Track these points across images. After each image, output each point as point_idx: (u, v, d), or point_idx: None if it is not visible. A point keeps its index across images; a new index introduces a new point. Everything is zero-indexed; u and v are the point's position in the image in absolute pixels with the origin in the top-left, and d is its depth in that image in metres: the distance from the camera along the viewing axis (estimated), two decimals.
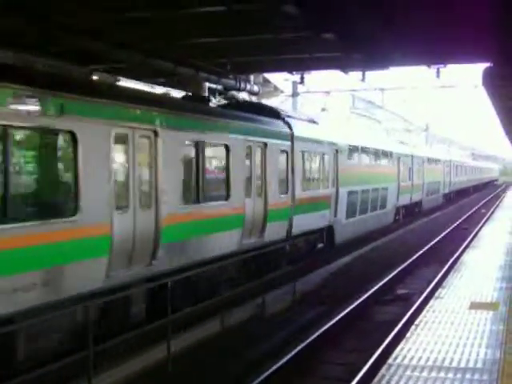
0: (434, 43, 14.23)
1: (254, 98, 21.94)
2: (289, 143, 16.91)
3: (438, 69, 18.12)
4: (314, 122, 20.59)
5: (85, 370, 8.80)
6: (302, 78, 20.70)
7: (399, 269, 19.83)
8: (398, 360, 7.88)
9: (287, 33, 13.20)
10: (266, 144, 15.51)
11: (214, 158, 13.83)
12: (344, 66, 17.97)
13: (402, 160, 29.76)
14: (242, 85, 18.46)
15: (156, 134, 11.24)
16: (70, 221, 9.26)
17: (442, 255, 23.37)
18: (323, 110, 29.78)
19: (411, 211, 33.00)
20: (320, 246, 19.67)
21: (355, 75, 20.38)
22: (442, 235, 28.82)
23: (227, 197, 13.82)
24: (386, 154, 27.02)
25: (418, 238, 27.52)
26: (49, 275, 8.89)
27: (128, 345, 10.18)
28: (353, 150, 22.43)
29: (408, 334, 9.10)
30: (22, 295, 8.43)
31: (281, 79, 26.46)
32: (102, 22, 12.08)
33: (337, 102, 35.51)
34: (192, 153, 12.75)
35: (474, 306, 10.81)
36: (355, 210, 22.11)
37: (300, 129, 17.92)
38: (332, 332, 12.88)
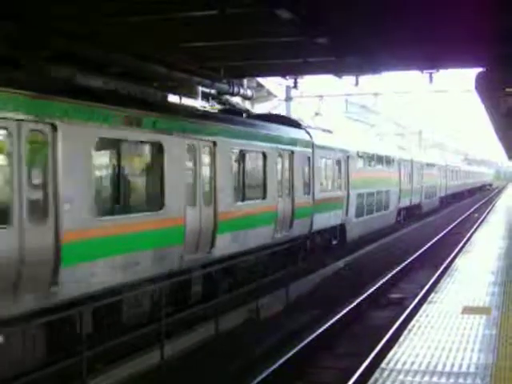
0: (427, 48, 14.26)
1: (247, 103, 21.93)
2: (310, 150, 19.33)
3: (430, 74, 18.14)
4: (328, 131, 23.01)
5: (79, 373, 8.77)
6: (296, 83, 20.70)
7: (393, 272, 19.89)
8: (391, 364, 7.87)
9: (280, 37, 13.19)
10: (292, 151, 17.95)
11: (254, 164, 16.09)
12: (337, 70, 17.99)
13: (402, 165, 31.83)
14: (236, 89, 18.46)
15: (215, 144, 13.57)
16: (158, 214, 11.64)
17: (435, 260, 23.41)
18: (317, 114, 29.76)
19: (411, 213, 34.90)
20: (334, 242, 21.87)
21: (348, 80, 20.43)
22: (435, 239, 28.90)
23: (264, 197, 16.14)
24: (389, 160, 29.21)
25: (410, 242, 27.55)
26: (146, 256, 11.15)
27: (123, 348, 10.17)
28: (361, 156, 24.68)
29: (401, 339, 9.08)
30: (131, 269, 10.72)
31: (274, 84, 26.46)
32: (94, 27, 12.05)
33: (330, 106, 35.53)
34: (239, 159, 15.22)
35: (467, 310, 10.81)
36: (363, 210, 24.38)
37: (318, 138, 20.35)
38: (325, 336, 12.89)
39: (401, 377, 7.41)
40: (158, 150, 11.87)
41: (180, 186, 12.38)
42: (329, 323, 13.76)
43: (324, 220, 20.19)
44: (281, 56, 15.48)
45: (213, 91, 17.63)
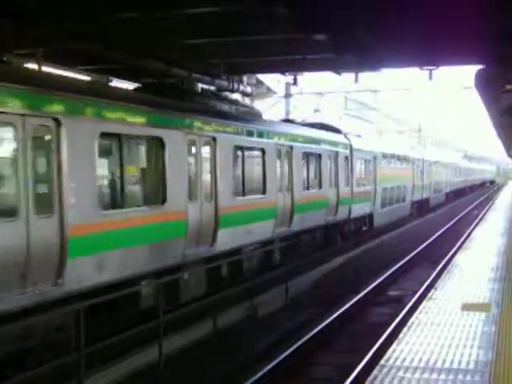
0: (426, 45, 14.25)
1: (246, 99, 21.93)
2: (348, 152, 23.51)
3: (430, 71, 18.12)
4: (359, 136, 27.11)
5: (76, 371, 8.77)
6: (295, 79, 20.71)
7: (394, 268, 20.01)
8: (391, 361, 7.87)
9: (279, 34, 13.20)
10: (337, 152, 22.15)
11: (314, 163, 20.33)
12: (337, 67, 17.99)
13: (415, 163, 35.89)
14: (235, 86, 18.45)
15: (291, 148, 15.13)
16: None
17: (435, 256, 23.43)
18: (316, 111, 29.75)
19: (421, 206, 38.45)
20: (364, 228, 26.11)
21: (348, 76, 20.42)
22: (436, 235, 29.06)
23: (320, 187, 20.36)
24: (405, 159, 33.41)
25: (412, 239, 27.64)
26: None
27: (120, 345, 10.15)
28: (384, 156, 28.87)
29: (400, 335, 9.08)
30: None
31: (274, 80, 26.46)
32: (92, 23, 12.03)
33: (329, 103, 35.50)
34: (306, 159, 19.54)
35: (466, 307, 10.81)
36: (386, 202, 28.57)
37: (354, 141, 24.57)
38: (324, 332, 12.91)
39: (400, 373, 7.41)
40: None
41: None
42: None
43: (359, 209, 24.45)
44: (280, 53, 15.49)
45: (212, 88, 17.62)
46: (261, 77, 24.40)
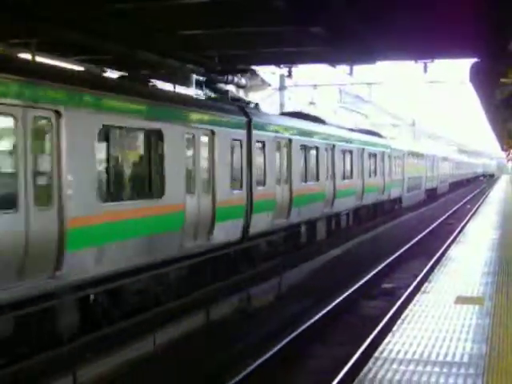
0: (421, 38, 14.22)
1: (241, 91, 21.85)
2: (389, 151, 31.46)
3: (425, 64, 18.10)
4: (393, 138, 36.26)
5: (70, 363, 8.75)
6: (290, 72, 20.65)
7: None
8: (385, 354, 7.85)
9: (274, 26, 13.14)
10: (384, 152, 30.26)
11: (374, 160, 28.15)
12: (331, 59, 17.96)
13: (427, 158, 44.53)
14: (230, 77, 18.39)
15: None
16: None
17: (429, 250, 23.44)
18: (311, 103, 29.72)
19: (431, 194, 46.58)
20: (396, 207, 34.36)
21: (343, 69, 20.37)
22: (428, 230, 29.11)
23: (376, 175, 28.04)
24: (422, 155, 42.19)
25: (405, 231, 27.79)
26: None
27: (114, 337, 10.15)
28: (409, 153, 37.33)
29: (394, 328, 9.07)
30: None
31: (268, 72, 26.38)
32: (86, 13, 11.95)
33: (324, 96, 35.47)
34: (369, 158, 27.65)
35: (460, 300, 10.80)
36: (410, 188, 36.91)
37: (392, 143, 33.24)
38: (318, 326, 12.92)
39: (394, 366, 7.40)
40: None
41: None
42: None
43: (394, 192, 32.63)
44: (275, 45, 15.42)
45: (206, 79, 17.56)
46: (255, 68, 24.32)
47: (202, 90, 18.06)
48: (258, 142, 16.20)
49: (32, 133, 8.74)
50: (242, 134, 15.35)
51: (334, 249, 20.89)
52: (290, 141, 18.33)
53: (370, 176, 27.10)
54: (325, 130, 22.13)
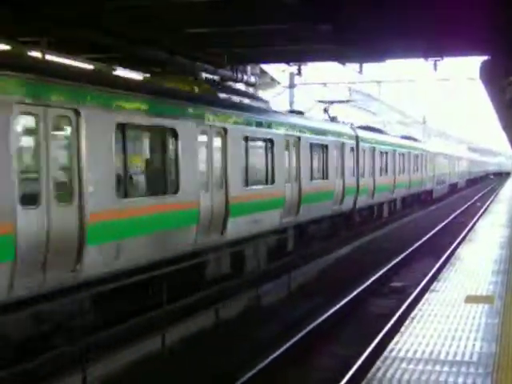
0: (432, 36, 14.14)
1: (250, 89, 21.85)
2: (425, 153, 39.21)
3: (435, 61, 18.03)
4: (427, 141, 45.59)
5: (79, 361, 8.77)
6: (299, 70, 20.63)
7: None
8: (394, 353, 7.84)
9: (284, 23, 13.11)
10: (422, 154, 37.87)
11: (415, 160, 35.73)
12: (341, 57, 17.91)
13: (450, 158, 52.79)
14: (239, 75, 18.38)
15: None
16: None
17: (438, 248, 23.40)
18: (320, 101, 29.61)
19: (452, 188, 54.40)
20: (429, 198, 41.62)
21: (352, 67, 20.32)
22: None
23: (420, 172, 36.71)
24: (446, 155, 50.03)
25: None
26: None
27: (123, 335, 10.18)
28: (438, 154, 45.10)
29: (403, 327, 9.06)
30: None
31: (278, 70, 26.37)
32: (95, 11, 11.96)
33: (333, 94, 35.38)
34: (415, 159, 36.24)
35: (470, 299, 10.78)
36: (438, 182, 44.70)
37: (427, 146, 41.88)
38: None
39: (403, 365, 7.39)
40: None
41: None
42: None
43: (427, 185, 39.74)
44: (285, 42, 15.39)
45: (216, 77, 17.55)
46: (264, 66, 24.31)
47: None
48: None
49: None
50: None
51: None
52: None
53: (414, 173, 35.14)
54: (386, 138, 29.88)
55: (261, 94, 24.67)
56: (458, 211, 38.44)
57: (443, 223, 31.28)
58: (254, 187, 15.29)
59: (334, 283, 16.60)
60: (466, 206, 43.52)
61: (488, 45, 14.83)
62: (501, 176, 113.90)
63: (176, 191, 12.00)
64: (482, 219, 26.38)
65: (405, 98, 60.66)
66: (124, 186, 10.62)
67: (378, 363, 7.46)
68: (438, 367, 7.33)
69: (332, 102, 25.83)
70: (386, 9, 11.74)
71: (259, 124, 15.77)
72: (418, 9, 11.79)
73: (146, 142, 12.05)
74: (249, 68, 19.58)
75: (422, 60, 17.72)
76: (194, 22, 13.15)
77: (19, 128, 8.61)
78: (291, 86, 28.29)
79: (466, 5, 11.31)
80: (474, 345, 8.19)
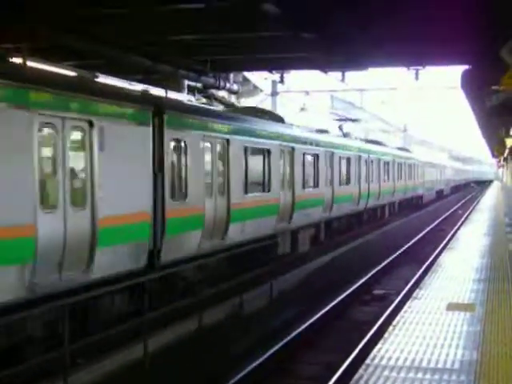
0: (413, 44, 14.26)
1: (233, 97, 21.88)
2: (417, 163, 42.33)
3: (416, 70, 18.17)
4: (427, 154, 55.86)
5: (60, 367, 8.70)
6: (282, 78, 20.69)
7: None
8: (376, 360, 7.84)
9: (266, 31, 13.15)
10: (412, 164, 40.30)
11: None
12: (323, 65, 17.99)
13: (437, 167, 56.65)
14: (222, 83, 18.39)
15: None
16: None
17: (420, 256, 23.52)
18: (302, 109, 29.73)
19: (439, 194, 59.49)
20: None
21: (335, 76, 20.41)
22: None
23: (411, 181, 40.10)
24: (433, 164, 53.40)
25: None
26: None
27: (106, 342, 10.11)
28: (427, 163, 48.01)
29: (386, 335, 9.07)
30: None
31: (260, 78, 26.41)
32: (77, 18, 11.93)
33: (316, 102, 35.50)
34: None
35: (451, 307, 10.81)
36: (427, 189, 47.84)
37: (417, 156, 44.56)
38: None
39: (386, 373, 7.39)
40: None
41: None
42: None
43: (419, 191, 43.12)
44: (267, 50, 15.43)
45: (199, 85, 17.55)
46: (247, 74, 24.34)
47: (194, 95, 18.07)
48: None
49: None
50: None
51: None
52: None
53: (409, 179, 38.83)
54: (385, 150, 33.29)
55: (243, 101, 24.70)
56: (440, 219, 39.00)
57: (425, 231, 31.60)
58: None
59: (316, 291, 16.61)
60: (448, 214, 44.11)
61: (469, 55, 14.97)
62: (483, 184, 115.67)
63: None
64: (463, 227, 26.53)
65: (386, 106, 61.01)
66: None
67: (361, 371, 7.46)
68: (420, 375, 7.34)
69: (345, 120, 31.19)
70: (366, 18, 11.81)
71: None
72: (401, 19, 11.88)
73: None
74: (231, 75, 19.59)
75: (403, 69, 17.88)
76: (176, 30, 13.15)
77: None
78: (273, 93, 28.34)
79: (447, 15, 11.41)
80: (455, 352, 8.22)
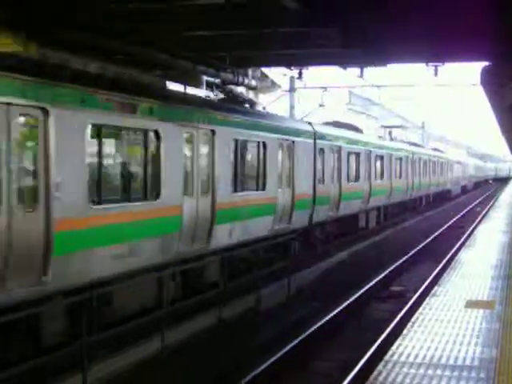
0: (433, 41, 14.15)
1: (251, 93, 21.86)
2: (447, 161, 50.35)
3: (435, 67, 18.03)
4: (456, 153, 66.78)
5: (79, 361, 8.77)
6: (300, 74, 20.63)
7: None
8: (395, 357, 7.84)
9: (286, 27, 13.11)
10: (444, 162, 49.62)
11: (434, 167, 44.86)
12: (342, 61, 17.89)
13: (463, 164, 63.72)
14: (240, 79, 18.37)
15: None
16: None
17: (438, 252, 23.41)
18: (320, 105, 29.64)
19: (464, 188, 66.32)
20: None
21: (353, 72, 20.33)
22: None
23: (436, 176, 46.73)
24: (460, 162, 60.81)
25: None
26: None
27: (123, 337, 10.16)
28: (456, 161, 56.24)
29: (404, 331, 9.06)
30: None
31: (278, 74, 26.35)
32: (95, 14, 11.94)
33: (334, 98, 35.41)
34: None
35: (470, 304, 10.78)
36: (454, 184, 55.19)
37: (449, 156, 54.32)
38: None
39: (405, 369, 7.39)
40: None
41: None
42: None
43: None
44: (286, 46, 15.38)
45: (217, 80, 17.55)
46: (265, 70, 24.30)
47: (213, 91, 18.07)
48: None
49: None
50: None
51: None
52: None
53: (441, 175, 46.89)
54: (425, 151, 42.25)
55: (261, 97, 24.68)
56: (458, 216, 39.21)
57: (443, 228, 31.37)
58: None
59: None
60: (466, 210, 44.23)
61: (489, 51, 14.85)
62: (500, 181, 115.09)
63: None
64: (481, 224, 26.38)
65: (404, 102, 60.72)
66: None
67: (380, 367, 7.46)
68: (439, 372, 7.34)
69: (391, 127, 41.07)
70: (389, 14, 11.75)
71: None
72: (421, 14, 11.80)
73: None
74: (250, 71, 19.56)
75: (422, 65, 17.75)
76: (195, 25, 13.14)
77: None
78: (291, 89, 28.28)
79: (468, 11, 11.33)
80: (474, 349, 8.20)
